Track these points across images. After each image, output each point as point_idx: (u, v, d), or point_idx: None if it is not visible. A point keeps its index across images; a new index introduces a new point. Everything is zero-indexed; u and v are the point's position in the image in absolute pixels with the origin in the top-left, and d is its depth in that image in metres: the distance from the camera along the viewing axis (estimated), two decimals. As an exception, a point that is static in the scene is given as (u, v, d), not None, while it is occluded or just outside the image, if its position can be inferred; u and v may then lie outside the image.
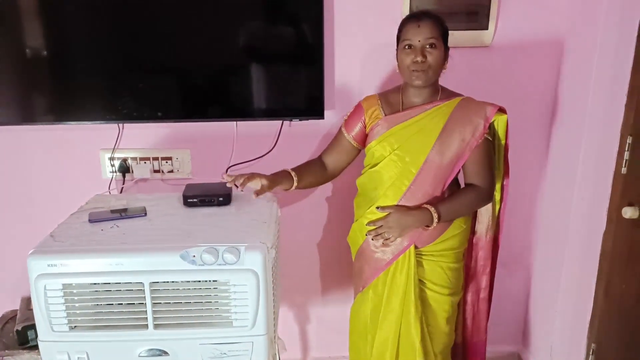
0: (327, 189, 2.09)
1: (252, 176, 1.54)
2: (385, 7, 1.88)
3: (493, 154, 1.64)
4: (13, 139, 1.96)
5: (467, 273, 1.81)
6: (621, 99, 1.62)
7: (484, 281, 1.82)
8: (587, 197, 1.83)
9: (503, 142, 1.64)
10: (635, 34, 1.54)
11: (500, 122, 1.60)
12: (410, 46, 1.50)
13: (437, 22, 1.50)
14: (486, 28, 1.90)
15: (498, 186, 1.70)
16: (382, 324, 1.69)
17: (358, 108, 1.67)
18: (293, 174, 1.63)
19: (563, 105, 1.98)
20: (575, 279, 1.93)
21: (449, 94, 1.61)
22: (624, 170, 1.63)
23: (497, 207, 1.74)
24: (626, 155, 1.62)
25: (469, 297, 1.85)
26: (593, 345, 1.82)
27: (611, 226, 1.70)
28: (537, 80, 2.01)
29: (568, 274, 1.97)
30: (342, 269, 2.16)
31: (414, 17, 1.52)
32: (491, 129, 1.59)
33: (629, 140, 1.60)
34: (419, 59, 1.48)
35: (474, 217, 1.77)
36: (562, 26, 1.94)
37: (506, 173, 1.71)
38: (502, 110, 1.58)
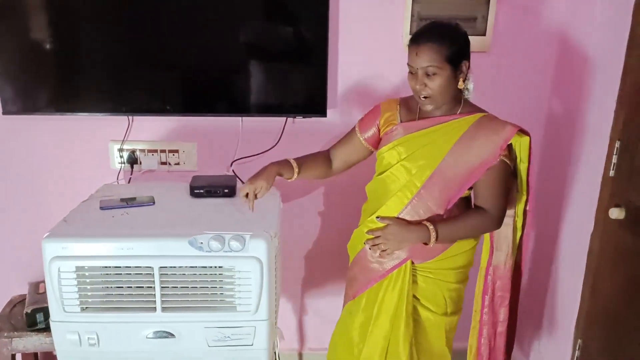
0: (327, 182, 2.14)
1: (256, 183, 1.50)
2: (389, 8, 1.94)
3: (508, 179, 1.51)
4: (25, 129, 2.00)
5: (482, 304, 1.70)
6: (611, 105, 1.69)
7: (501, 314, 1.69)
8: (578, 199, 1.91)
9: (525, 164, 1.51)
10: (626, 43, 1.62)
11: (522, 144, 1.48)
12: (412, 71, 1.44)
13: (439, 46, 1.37)
14: (484, 34, 1.96)
15: (520, 212, 1.59)
16: (369, 338, 1.62)
17: (375, 109, 1.60)
18: (295, 164, 1.57)
19: (557, 110, 2.05)
20: (563, 278, 2.00)
21: (471, 109, 1.50)
22: (612, 173, 1.70)
23: (519, 233, 1.62)
24: (614, 159, 1.68)
25: (485, 331, 1.71)
26: (579, 341, 1.89)
27: (599, 227, 1.77)
28: (533, 85, 2.07)
29: (557, 273, 2.05)
30: (340, 262, 2.20)
31: (414, 42, 1.41)
32: (510, 151, 1.48)
33: (617, 144, 1.66)
34: (418, 86, 1.42)
35: (492, 246, 1.66)
36: (556, 32, 2.00)
37: (529, 198, 1.57)
38: (523, 132, 1.46)
